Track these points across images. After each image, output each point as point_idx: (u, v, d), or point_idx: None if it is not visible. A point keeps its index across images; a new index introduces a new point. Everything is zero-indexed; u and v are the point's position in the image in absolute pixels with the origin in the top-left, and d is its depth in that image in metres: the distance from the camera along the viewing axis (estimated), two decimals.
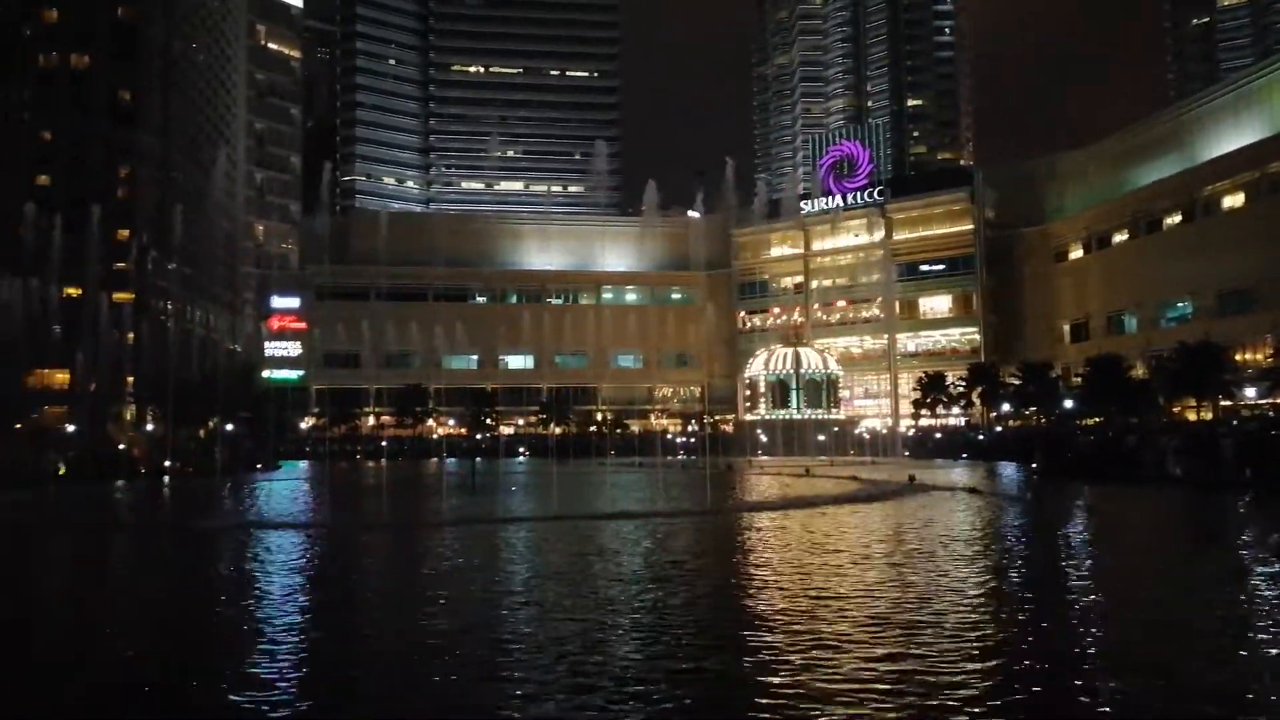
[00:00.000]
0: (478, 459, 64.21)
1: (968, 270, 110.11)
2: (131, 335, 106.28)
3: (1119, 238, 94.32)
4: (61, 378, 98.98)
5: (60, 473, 53.09)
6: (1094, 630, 12.36)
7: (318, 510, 34.16)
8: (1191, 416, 68.99)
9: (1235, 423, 54.98)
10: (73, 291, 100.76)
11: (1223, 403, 68.14)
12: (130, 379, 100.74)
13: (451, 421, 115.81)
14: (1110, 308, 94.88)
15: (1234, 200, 77.86)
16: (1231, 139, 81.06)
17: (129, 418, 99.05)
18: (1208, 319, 74.60)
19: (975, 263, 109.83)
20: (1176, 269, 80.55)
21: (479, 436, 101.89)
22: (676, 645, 11.25)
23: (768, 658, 10.51)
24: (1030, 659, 10.62)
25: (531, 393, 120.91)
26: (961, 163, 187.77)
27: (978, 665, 10.05)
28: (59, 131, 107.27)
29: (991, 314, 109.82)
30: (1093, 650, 11.21)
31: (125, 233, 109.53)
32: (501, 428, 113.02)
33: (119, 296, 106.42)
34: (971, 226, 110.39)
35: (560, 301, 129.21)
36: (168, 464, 59.81)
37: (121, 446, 68.06)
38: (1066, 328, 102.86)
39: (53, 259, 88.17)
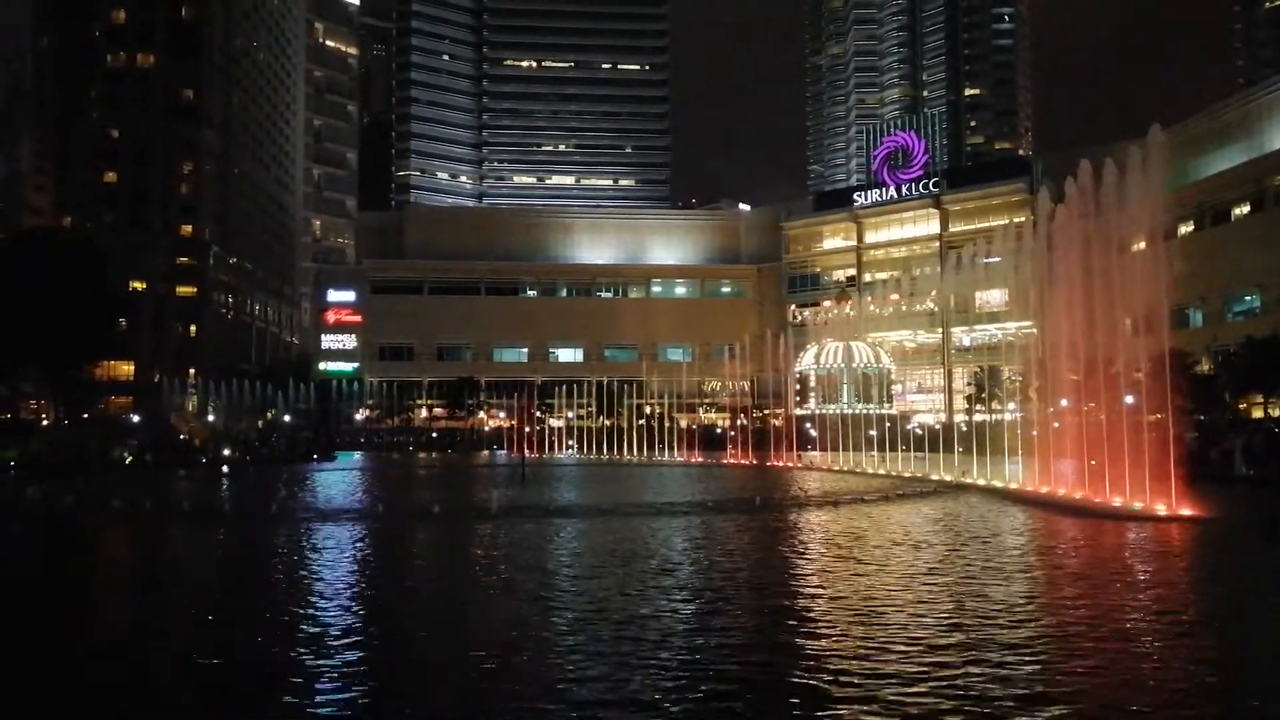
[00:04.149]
0: (527, 451, 64.67)
1: None
2: (193, 328, 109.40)
3: (1184, 229, 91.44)
4: (126, 369, 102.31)
5: (127, 461, 54.92)
6: None
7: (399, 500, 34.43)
8: (1259, 414, 66.71)
9: None
10: (138, 285, 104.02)
11: None
12: (192, 370, 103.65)
13: (501, 414, 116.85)
14: (1174, 301, 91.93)
15: None
16: None
17: (191, 408, 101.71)
18: (1277, 313, 72.00)
19: (1034, 255, 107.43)
20: (1244, 261, 77.71)
21: (528, 429, 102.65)
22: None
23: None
24: None
25: (581, 385, 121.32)
26: (1020, 153, 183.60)
27: None
28: (125, 129, 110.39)
29: (1049, 307, 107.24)
30: None
31: (188, 228, 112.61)
32: (550, 420, 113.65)
33: (182, 290, 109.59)
34: (1030, 218, 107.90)
35: (610, 295, 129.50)
36: (226, 453, 61.42)
37: (183, 436, 70.00)
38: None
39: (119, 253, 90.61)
